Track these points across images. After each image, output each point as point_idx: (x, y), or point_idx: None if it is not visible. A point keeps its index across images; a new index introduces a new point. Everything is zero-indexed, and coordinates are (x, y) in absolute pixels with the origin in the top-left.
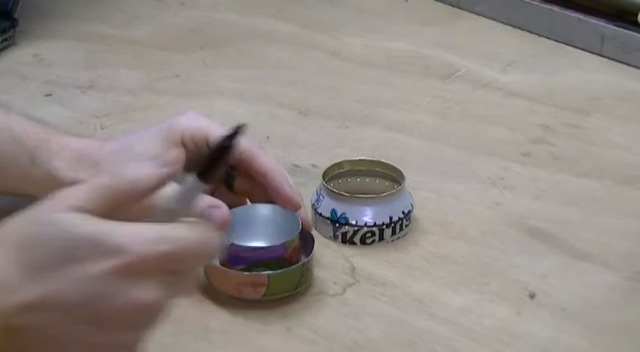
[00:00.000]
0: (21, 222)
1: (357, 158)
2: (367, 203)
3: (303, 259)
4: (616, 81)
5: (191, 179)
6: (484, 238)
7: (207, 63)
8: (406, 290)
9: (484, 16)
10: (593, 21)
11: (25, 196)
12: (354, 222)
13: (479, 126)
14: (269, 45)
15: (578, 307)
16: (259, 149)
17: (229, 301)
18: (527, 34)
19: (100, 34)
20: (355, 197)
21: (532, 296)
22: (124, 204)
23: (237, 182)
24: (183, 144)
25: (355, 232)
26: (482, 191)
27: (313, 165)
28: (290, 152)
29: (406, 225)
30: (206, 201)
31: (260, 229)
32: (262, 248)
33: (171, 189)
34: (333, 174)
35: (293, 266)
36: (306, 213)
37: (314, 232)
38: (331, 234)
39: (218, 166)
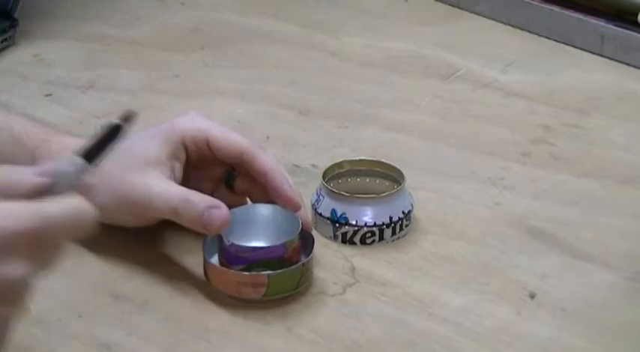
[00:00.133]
0: None
1: (357, 158)
2: (367, 203)
3: (303, 259)
4: (616, 81)
5: (77, 159)
6: (484, 238)
7: (207, 63)
8: (406, 290)
9: (484, 16)
10: (593, 21)
11: None
12: (354, 222)
13: (479, 126)
14: (269, 45)
15: (578, 307)
16: (259, 149)
17: (229, 301)
18: (527, 34)
19: (100, 34)
20: (355, 197)
21: (532, 296)
22: None
23: (237, 182)
24: (184, 145)
25: (355, 232)
26: (482, 191)
27: (313, 165)
28: (290, 152)
29: (406, 225)
30: (206, 201)
31: (260, 229)
32: (262, 248)
33: (56, 166)
34: (333, 174)
35: (293, 267)
36: (306, 213)
37: (314, 232)
38: (331, 234)
39: (104, 149)
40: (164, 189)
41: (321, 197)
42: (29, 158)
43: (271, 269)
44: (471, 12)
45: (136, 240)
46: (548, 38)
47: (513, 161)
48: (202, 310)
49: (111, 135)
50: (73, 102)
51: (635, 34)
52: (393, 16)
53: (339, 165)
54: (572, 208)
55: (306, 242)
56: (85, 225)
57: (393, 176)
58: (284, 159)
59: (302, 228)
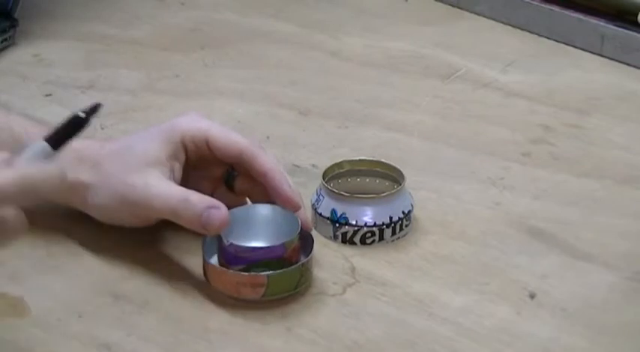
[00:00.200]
0: None
1: (357, 158)
2: (367, 203)
3: (303, 259)
4: (616, 81)
5: (41, 144)
6: (484, 238)
7: (207, 63)
8: (406, 290)
9: (484, 16)
10: (593, 21)
11: None
12: (354, 222)
13: (479, 126)
14: (269, 45)
15: (578, 307)
16: (259, 149)
17: (229, 301)
18: (527, 34)
19: (100, 34)
20: (355, 197)
21: (532, 296)
22: None
23: (237, 182)
24: (183, 145)
25: (355, 232)
26: (482, 191)
27: (313, 165)
28: (290, 152)
29: (406, 225)
30: (205, 201)
31: (259, 229)
32: (261, 248)
33: (21, 152)
34: (333, 174)
35: (292, 267)
36: (306, 213)
37: (314, 232)
38: (331, 234)
39: (69, 137)
40: (163, 189)
41: (321, 197)
42: None
43: (271, 270)
44: (471, 12)
45: (136, 240)
46: (548, 38)
47: (513, 161)
48: (202, 310)
49: (76, 125)
50: (73, 102)
51: (635, 34)
52: (393, 16)
53: (339, 165)
54: (572, 208)
55: (305, 242)
56: (34, 192)
57: (393, 176)
58: (284, 159)
59: (301, 229)
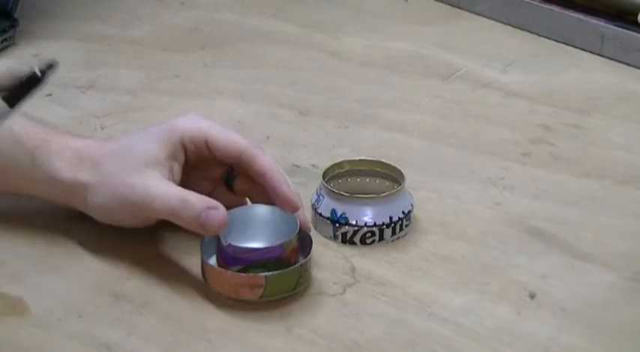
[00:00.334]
0: None
1: (357, 158)
2: (367, 203)
3: (301, 260)
4: (616, 81)
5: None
6: (484, 238)
7: (207, 63)
8: (406, 290)
9: (484, 16)
10: (593, 21)
11: (25, 196)
12: (354, 222)
13: (479, 126)
14: (269, 45)
15: (578, 307)
16: (258, 149)
17: (229, 301)
18: (527, 34)
19: (100, 34)
20: (355, 197)
21: (532, 296)
22: None
23: (237, 182)
24: (183, 146)
25: (355, 232)
26: (482, 191)
27: (313, 165)
28: (290, 152)
29: (406, 225)
30: (204, 202)
31: (258, 230)
32: (260, 249)
33: None
34: (333, 174)
35: (290, 268)
36: (305, 214)
37: (313, 232)
38: (331, 234)
39: (25, 95)
40: (162, 189)
41: (321, 197)
42: (29, 158)
43: (269, 271)
44: (471, 12)
45: (136, 239)
46: (548, 38)
47: (513, 161)
48: (202, 310)
49: (32, 83)
50: (73, 102)
51: (635, 34)
52: (393, 16)
53: (339, 165)
54: (572, 208)
55: (304, 243)
56: None
57: (393, 176)
58: (284, 159)
59: (300, 229)
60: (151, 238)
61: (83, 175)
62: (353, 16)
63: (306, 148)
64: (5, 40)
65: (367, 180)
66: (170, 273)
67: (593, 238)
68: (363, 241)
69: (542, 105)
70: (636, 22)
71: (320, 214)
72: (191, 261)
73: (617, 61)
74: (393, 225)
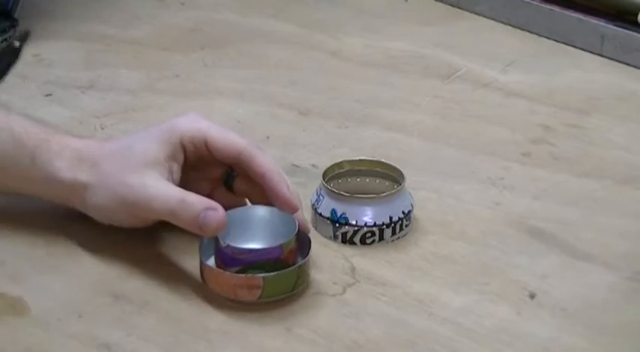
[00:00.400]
0: None
1: (357, 158)
2: (367, 203)
3: (300, 261)
4: (616, 81)
5: None
6: (484, 238)
7: (207, 63)
8: (406, 290)
9: (484, 16)
10: (593, 21)
11: (25, 196)
12: (354, 222)
13: (479, 126)
14: (269, 45)
15: (578, 307)
16: (257, 149)
17: (228, 301)
18: (527, 34)
19: (100, 34)
20: (355, 197)
21: (532, 296)
22: None
23: (236, 183)
24: (182, 146)
25: (355, 232)
26: (482, 191)
27: (313, 165)
28: (290, 152)
29: (406, 225)
30: (202, 202)
31: (257, 231)
32: (258, 249)
33: None
34: (333, 174)
35: (288, 269)
36: (304, 214)
37: (313, 232)
38: (331, 234)
39: (9, 66)
40: (161, 190)
41: (321, 197)
42: (29, 158)
43: (268, 272)
44: (471, 12)
45: (136, 240)
46: (548, 38)
47: (513, 161)
48: (202, 310)
49: (13, 54)
50: (73, 102)
51: (635, 34)
52: (393, 16)
53: (339, 165)
54: (572, 208)
55: (303, 244)
56: None
57: (393, 176)
58: (284, 159)
59: (299, 230)
60: (150, 238)
61: (83, 175)
62: (353, 16)
63: (306, 148)
64: (5, 40)
65: (367, 180)
66: (170, 273)
67: (593, 238)
68: (363, 241)
69: (542, 105)
70: (636, 22)
71: (320, 214)
72: (191, 261)
73: (617, 61)
74: (393, 225)
